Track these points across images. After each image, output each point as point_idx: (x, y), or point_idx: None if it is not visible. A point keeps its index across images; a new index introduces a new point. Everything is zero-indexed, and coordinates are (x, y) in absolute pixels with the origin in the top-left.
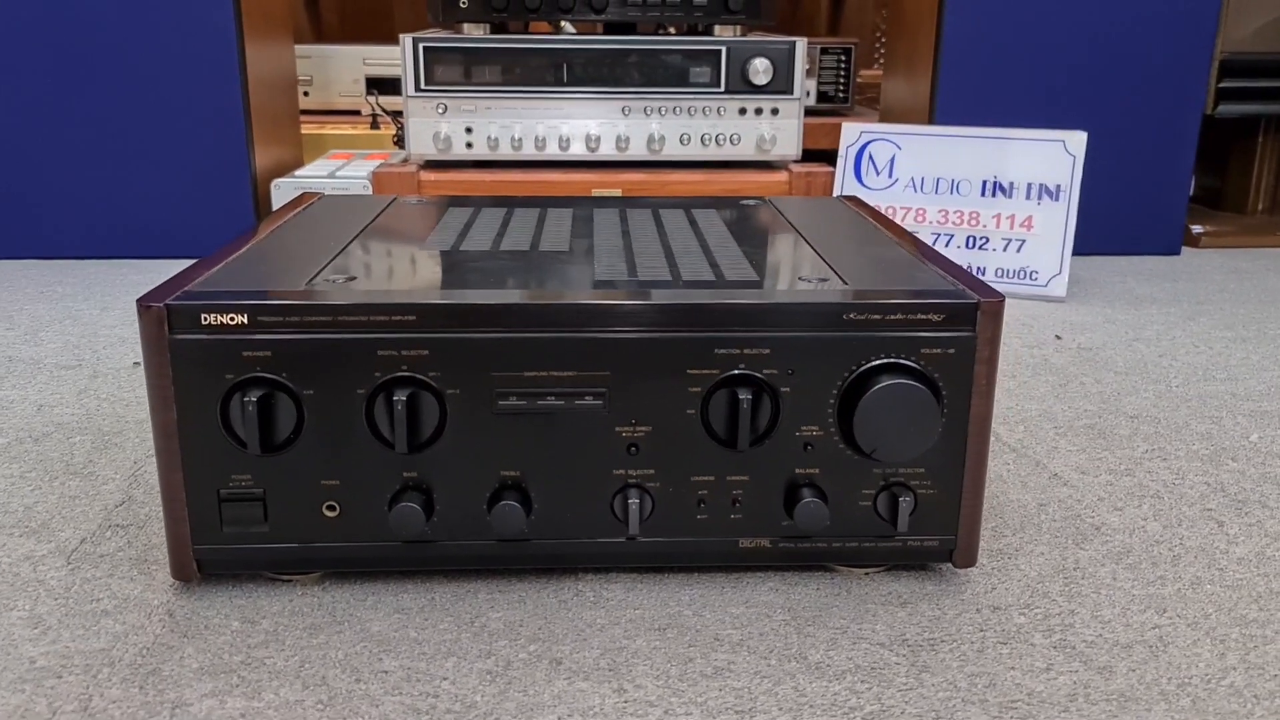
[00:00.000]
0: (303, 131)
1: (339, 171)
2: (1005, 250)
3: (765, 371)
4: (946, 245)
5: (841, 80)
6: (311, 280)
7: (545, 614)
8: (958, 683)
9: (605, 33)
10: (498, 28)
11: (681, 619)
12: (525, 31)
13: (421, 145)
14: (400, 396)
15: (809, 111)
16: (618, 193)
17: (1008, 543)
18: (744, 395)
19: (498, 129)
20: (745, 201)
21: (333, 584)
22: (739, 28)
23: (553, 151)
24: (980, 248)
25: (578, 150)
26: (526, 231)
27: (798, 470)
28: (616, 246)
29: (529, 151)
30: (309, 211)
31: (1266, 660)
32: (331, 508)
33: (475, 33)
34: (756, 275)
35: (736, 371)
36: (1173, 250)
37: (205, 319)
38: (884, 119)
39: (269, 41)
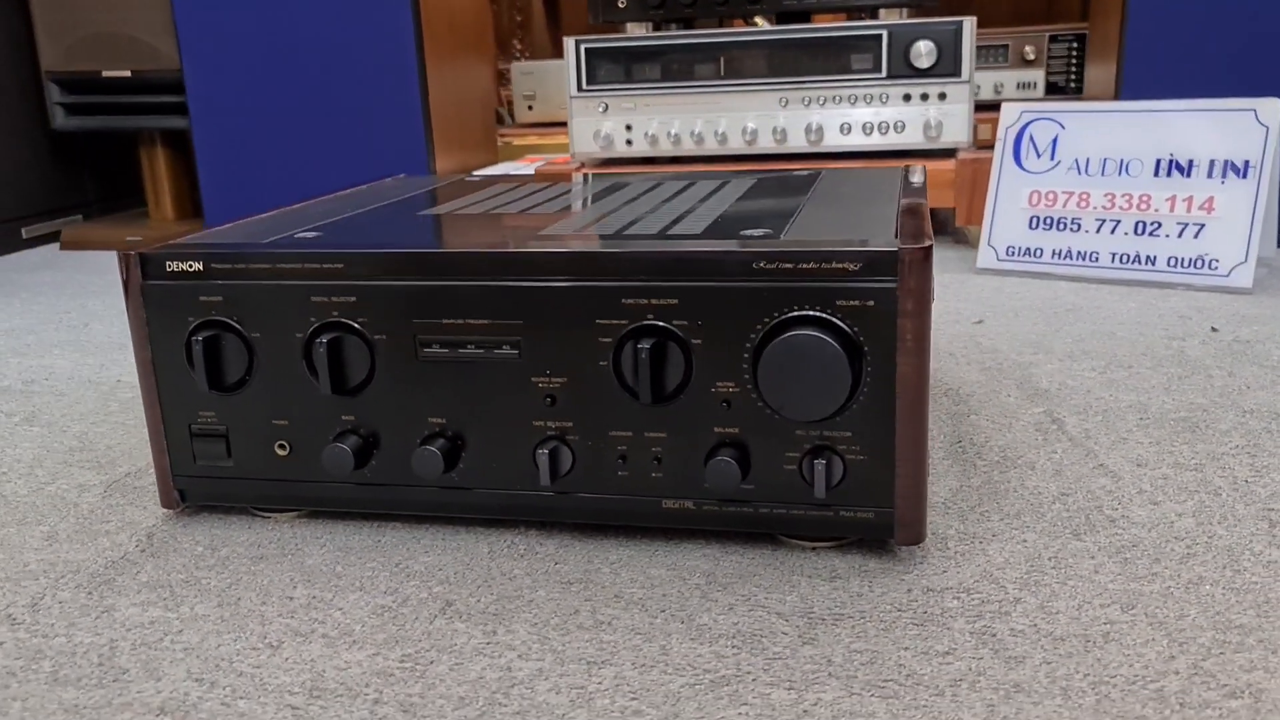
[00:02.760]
0: (522, 143)
1: (511, 171)
2: (1180, 236)
3: (675, 323)
4: (1113, 232)
5: (1073, 70)
6: (281, 238)
7: (468, 561)
8: (833, 657)
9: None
10: (659, 25)
11: (596, 576)
12: (689, 27)
13: (584, 144)
14: (323, 340)
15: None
16: None
17: (991, 527)
18: (643, 346)
19: (656, 125)
20: (797, 172)
21: (303, 522)
22: (904, 11)
23: (710, 146)
24: (1151, 234)
25: (735, 144)
26: (540, 199)
27: (717, 429)
28: (609, 208)
29: (688, 147)
30: (372, 187)
31: (1222, 668)
32: (282, 446)
33: (637, 31)
34: (700, 230)
35: (645, 322)
36: None
37: (170, 266)
38: None
39: (455, 63)
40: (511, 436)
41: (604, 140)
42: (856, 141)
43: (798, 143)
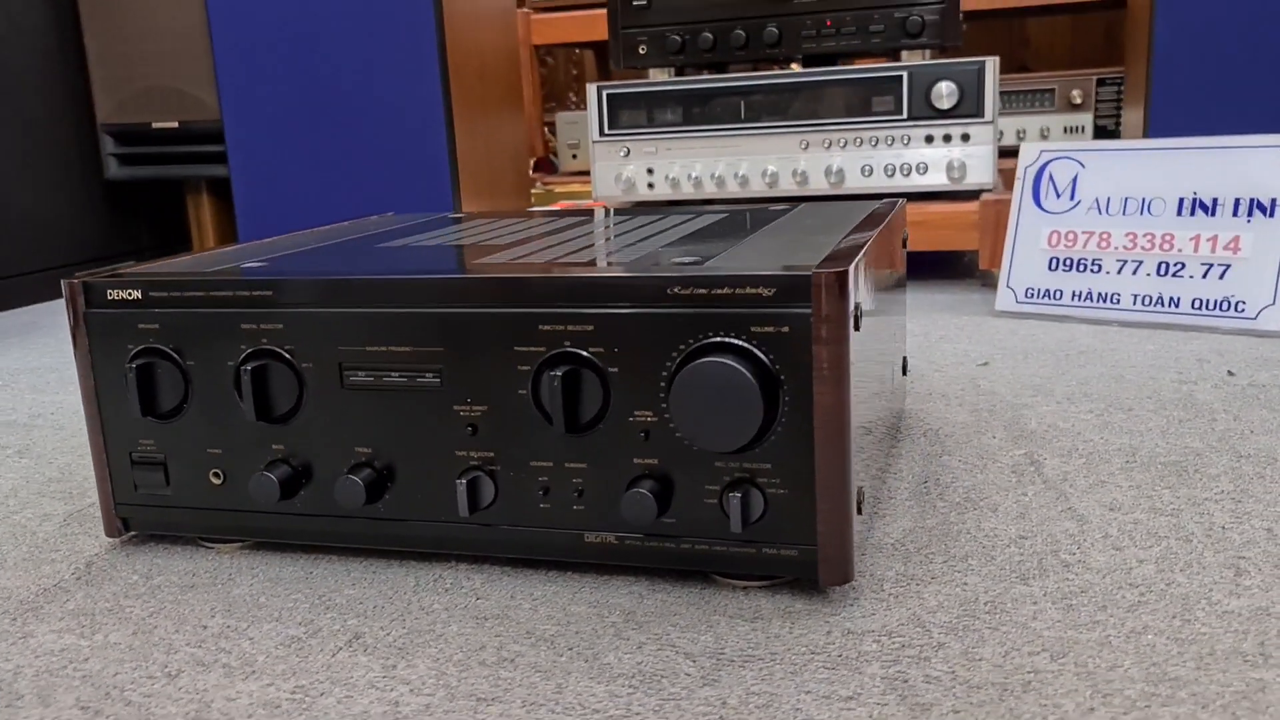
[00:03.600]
0: (564, 190)
1: None
2: (1205, 277)
3: (591, 349)
4: (1135, 273)
5: (1120, 113)
6: (226, 269)
7: (391, 595)
8: (729, 699)
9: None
10: (681, 70)
11: (514, 612)
12: (710, 71)
13: (606, 188)
14: (249, 367)
15: None
16: None
17: (932, 569)
18: (555, 373)
19: (678, 169)
20: (773, 208)
21: (244, 553)
22: (926, 53)
23: (732, 189)
24: (1174, 275)
25: (756, 187)
26: (503, 234)
27: (636, 460)
28: (558, 240)
29: (709, 190)
30: (352, 223)
31: None
32: (217, 475)
33: (659, 77)
34: (631, 259)
35: (562, 349)
36: None
37: (110, 294)
38: None
39: (485, 112)
40: (435, 467)
41: (625, 184)
42: (879, 184)
43: (819, 185)
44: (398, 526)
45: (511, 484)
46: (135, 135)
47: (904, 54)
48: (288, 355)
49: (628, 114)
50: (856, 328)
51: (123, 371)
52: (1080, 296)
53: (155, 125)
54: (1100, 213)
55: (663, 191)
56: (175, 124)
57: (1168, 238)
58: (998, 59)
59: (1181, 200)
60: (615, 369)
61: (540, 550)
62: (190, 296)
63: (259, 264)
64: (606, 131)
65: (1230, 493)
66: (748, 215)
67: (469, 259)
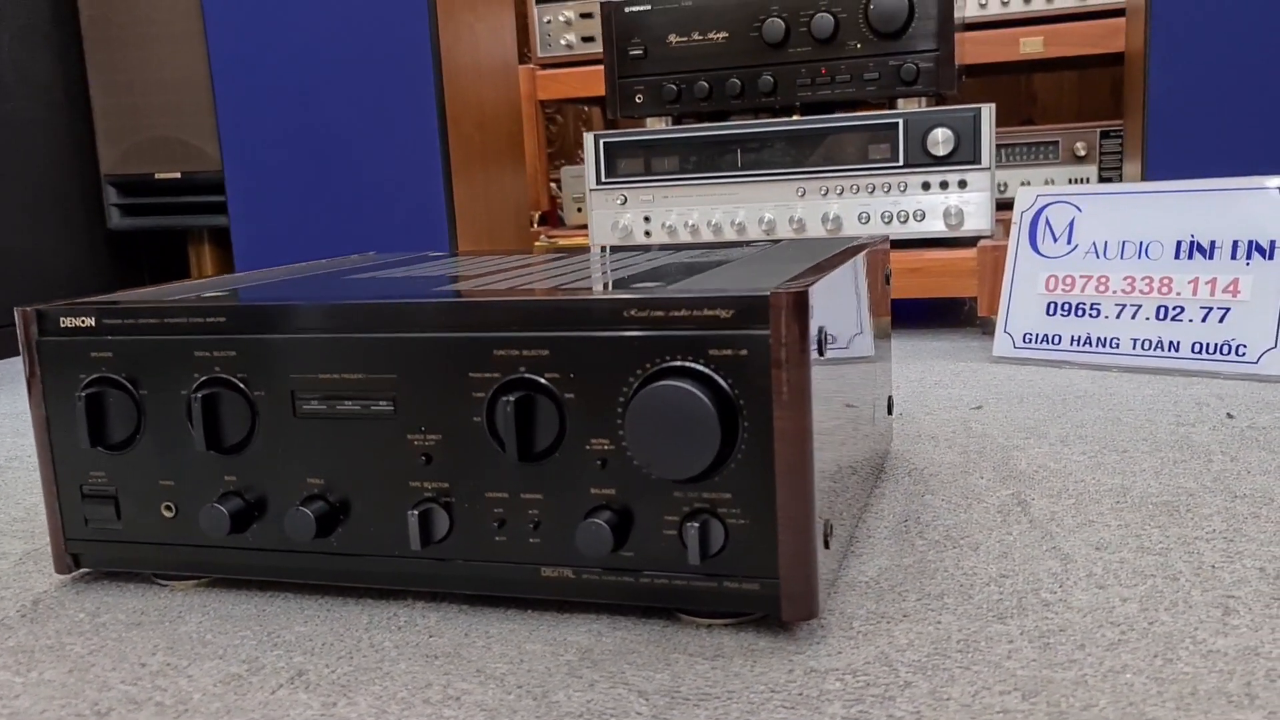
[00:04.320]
0: (567, 243)
1: None
2: (1204, 321)
3: (546, 375)
4: (1133, 317)
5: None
6: (188, 296)
7: (342, 632)
8: None
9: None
10: (677, 119)
11: (467, 650)
12: (707, 120)
13: (603, 235)
14: (199, 394)
15: None
16: None
17: (905, 607)
18: (507, 399)
19: (675, 216)
20: (757, 243)
21: (198, 590)
22: (922, 100)
23: (728, 237)
24: (1174, 319)
25: (753, 234)
26: (476, 268)
27: (593, 490)
28: (525, 272)
29: (705, 238)
30: (331, 260)
31: None
32: (169, 508)
33: (656, 125)
34: (593, 288)
35: (517, 375)
36: None
37: (63, 322)
38: None
39: (484, 165)
40: (389, 499)
41: (623, 231)
42: (876, 230)
43: (815, 232)
44: (351, 561)
45: (466, 516)
46: (138, 186)
47: (900, 101)
48: (240, 383)
49: (625, 162)
50: (820, 353)
51: (73, 401)
52: (1079, 341)
53: (158, 176)
54: (1098, 256)
55: (659, 239)
56: (178, 174)
57: (1166, 281)
58: (994, 105)
59: (1179, 243)
60: (571, 394)
61: (496, 585)
62: (144, 324)
63: (218, 293)
64: (603, 180)
65: (1222, 532)
66: (729, 251)
67: (428, 287)
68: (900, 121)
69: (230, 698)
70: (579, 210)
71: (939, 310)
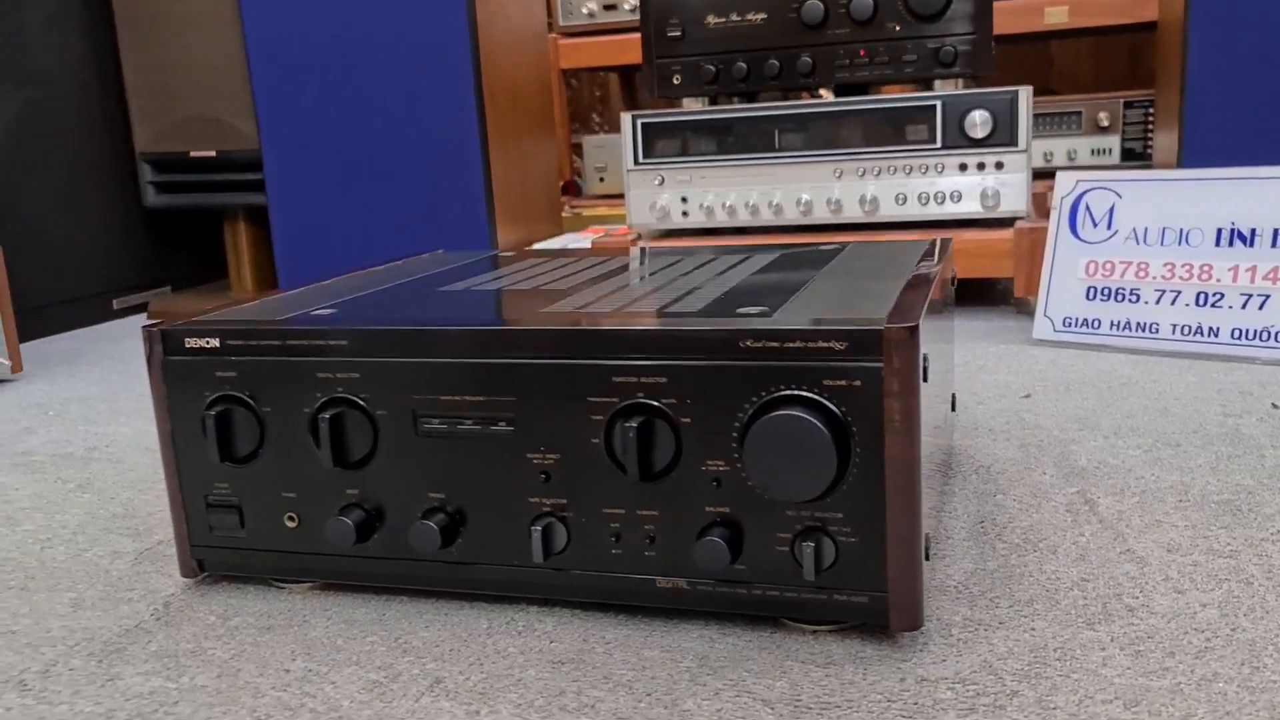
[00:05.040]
0: (591, 213)
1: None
2: (1244, 308)
3: (664, 400)
4: (1173, 303)
5: (1149, 136)
6: (297, 315)
7: (465, 638)
8: None
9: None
10: (715, 100)
11: (589, 656)
12: (745, 101)
13: (640, 216)
14: (326, 415)
15: (1113, 170)
16: None
17: (999, 614)
18: (630, 424)
19: (712, 197)
20: (823, 247)
21: (316, 594)
22: (958, 82)
23: (765, 218)
24: (1213, 305)
25: (790, 215)
26: (558, 275)
27: (708, 508)
28: (619, 284)
29: (743, 218)
30: (405, 262)
31: None
32: (291, 518)
33: (693, 106)
34: (697, 309)
35: (636, 400)
36: None
37: (188, 343)
38: None
39: (518, 138)
40: (508, 512)
41: (660, 212)
42: (913, 212)
43: (853, 213)
44: (470, 570)
45: (584, 530)
46: (173, 164)
47: (936, 83)
48: (363, 403)
49: (662, 143)
50: (925, 379)
51: (199, 417)
52: (1118, 326)
53: (193, 154)
54: (1138, 243)
55: (697, 220)
56: (213, 153)
57: (1206, 268)
58: (1030, 89)
59: (1220, 230)
60: (687, 419)
61: (612, 595)
62: (267, 345)
63: (329, 310)
64: (641, 160)
65: None
66: (800, 257)
67: (535, 306)
68: (939, 104)
69: (378, 705)
70: (600, 180)
71: (973, 289)
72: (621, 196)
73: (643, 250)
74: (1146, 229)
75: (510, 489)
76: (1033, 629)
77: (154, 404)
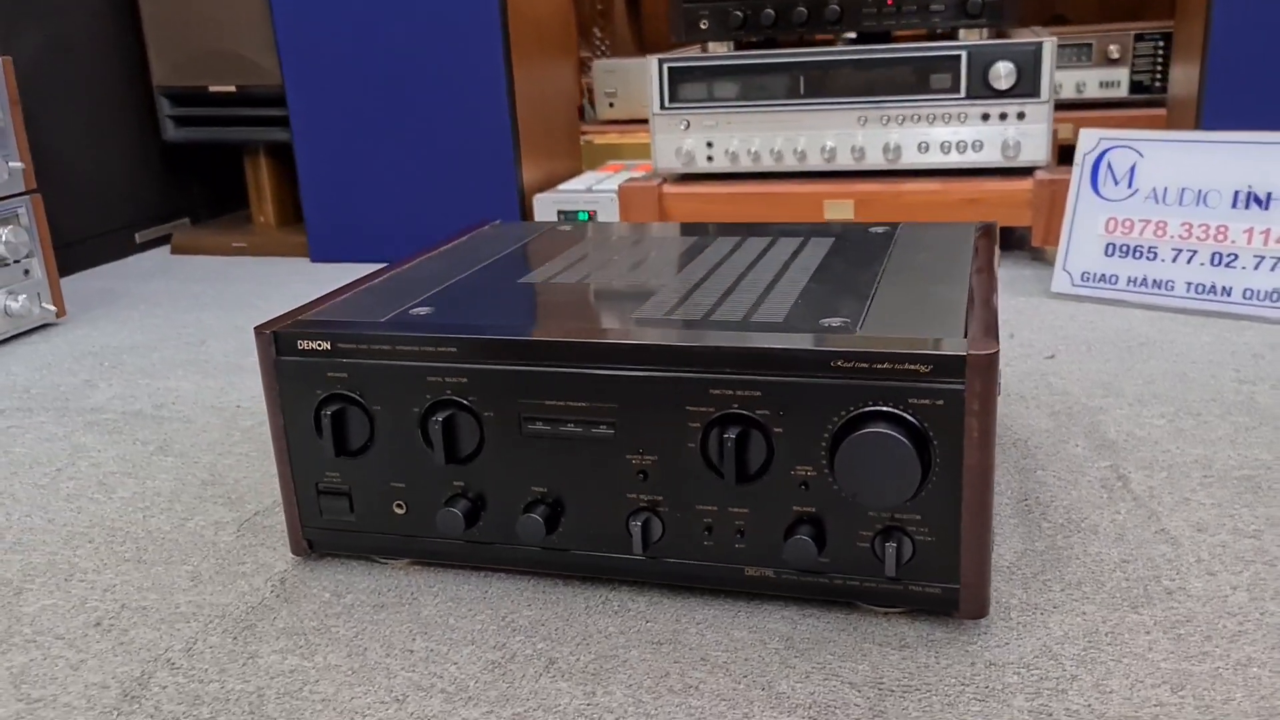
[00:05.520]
0: (602, 141)
1: (596, 185)
2: (1257, 269)
3: (758, 412)
4: (1189, 262)
5: (1158, 69)
6: (397, 314)
7: (568, 616)
8: None
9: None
10: (741, 45)
11: (683, 636)
12: (770, 47)
13: (666, 160)
14: (438, 417)
15: (1120, 104)
16: (850, 204)
17: (1053, 598)
18: (729, 434)
19: (737, 143)
20: (873, 229)
21: (416, 569)
22: (983, 31)
23: (789, 164)
24: (1227, 265)
25: (814, 161)
26: (628, 264)
27: (795, 507)
28: (693, 279)
29: (766, 164)
30: (470, 240)
31: None
32: (400, 506)
33: (719, 50)
34: (781, 318)
35: (731, 410)
36: None
37: (301, 345)
38: (1169, 110)
39: (541, 65)
40: (607, 506)
41: (685, 157)
42: (934, 160)
43: (875, 160)
44: (570, 556)
45: (677, 523)
46: (192, 98)
47: (961, 32)
48: (470, 405)
49: (687, 87)
50: (998, 392)
51: (310, 412)
52: (1135, 282)
53: (213, 89)
54: (1157, 202)
55: (721, 165)
56: (233, 88)
57: (1222, 229)
58: (1055, 40)
59: (1236, 193)
60: (780, 429)
61: (703, 581)
62: (377, 349)
63: (425, 310)
64: (667, 105)
65: None
66: (855, 245)
67: (626, 310)
68: (964, 54)
69: (501, 685)
70: (610, 105)
71: None
72: (633, 122)
73: (682, 231)
74: (1166, 189)
75: (610, 485)
76: (1084, 613)
77: (266, 400)
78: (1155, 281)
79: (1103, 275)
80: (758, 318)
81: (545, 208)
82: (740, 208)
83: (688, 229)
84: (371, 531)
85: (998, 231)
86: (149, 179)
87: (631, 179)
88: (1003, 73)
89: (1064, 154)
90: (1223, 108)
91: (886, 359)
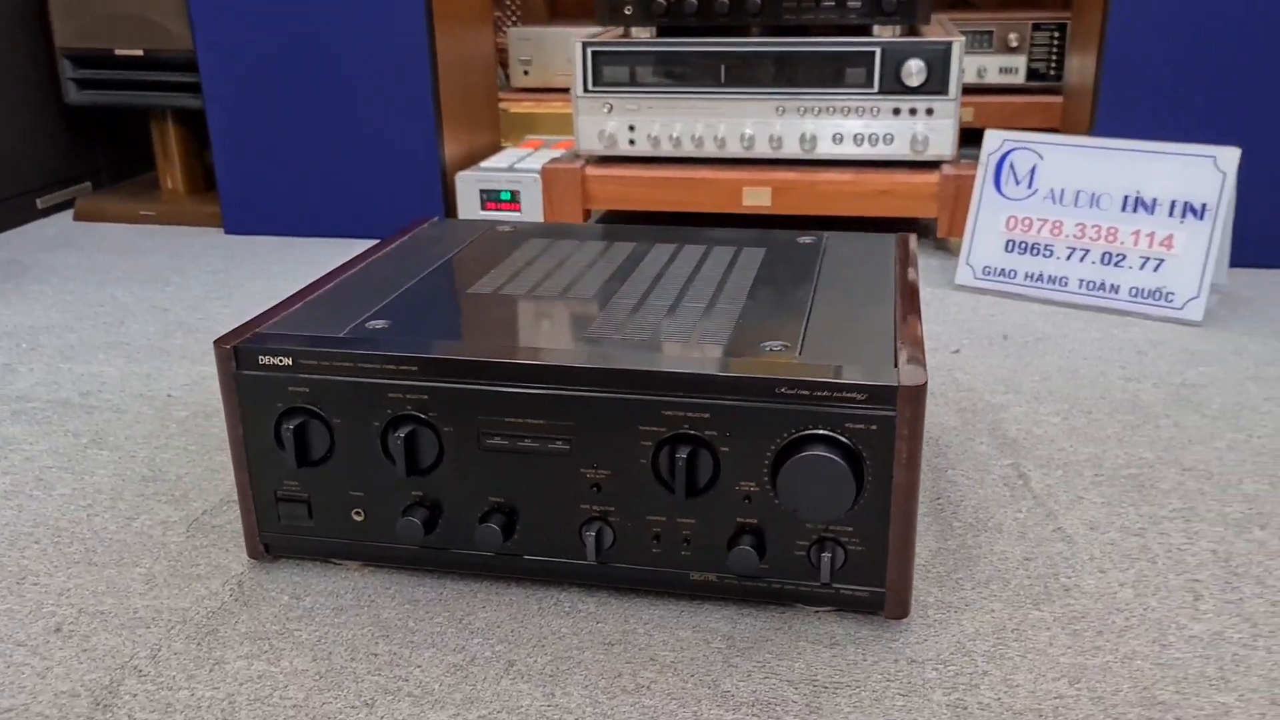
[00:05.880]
0: (518, 110)
1: (518, 164)
2: (1142, 269)
3: (706, 432)
4: (1082, 260)
5: (1054, 58)
6: (354, 327)
7: (522, 618)
8: None
9: (761, 35)
10: (664, 31)
11: (633, 636)
12: (693, 35)
13: (588, 142)
14: (400, 432)
15: (1018, 90)
16: (768, 191)
17: (964, 596)
18: (680, 454)
19: (658, 128)
20: (801, 239)
21: (371, 571)
22: (897, 29)
23: (710, 150)
24: (1116, 265)
25: (733, 149)
26: (571, 273)
27: (739, 519)
28: (636, 293)
29: (687, 149)
30: (411, 240)
31: None
32: (358, 513)
33: (642, 36)
34: (725, 339)
35: (682, 431)
36: None
37: (262, 360)
38: (1065, 98)
39: (462, 33)
40: (561, 515)
41: (608, 140)
42: (848, 151)
43: (792, 149)
44: (523, 561)
45: (628, 531)
46: (97, 60)
47: (875, 29)
48: (430, 420)
49: (610, 70)
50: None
51: (271, 424)
52: (1032, 278)
53: (119, 52)
54: (1055, 202)
55: (643, 148)
56: (140, 52)
57: (1112, 230)
58: (964, 40)
59: (1126, 197)
60: (726, 449)
61: (650, 585)
62: (339, 366)
63: (381, 323)
64: (591, 88)
65: (1181, 510)
66: (780, 258)
67: (579, 329)
68: (878, 50)
69: (465, 688)
70: (525, 73)
71: (899, 228)
72: (550, 91)
73: (605, 229)
74: (1064, 190)
75: (564, 496)
76: (992, 610)
77: (225, 412)
78: (1051, 278)
79: (1003, 270)
80: (703, 338)
81: (468, 187)
82: (661, 192)
83: (625, 234)
84: (330, 537)
85: (915, 243)
86: (50, 143)
87: (554, 160)
88: (914, 70)
89: (966, 136)
90: (1117, 96)
91: (826, 387)
